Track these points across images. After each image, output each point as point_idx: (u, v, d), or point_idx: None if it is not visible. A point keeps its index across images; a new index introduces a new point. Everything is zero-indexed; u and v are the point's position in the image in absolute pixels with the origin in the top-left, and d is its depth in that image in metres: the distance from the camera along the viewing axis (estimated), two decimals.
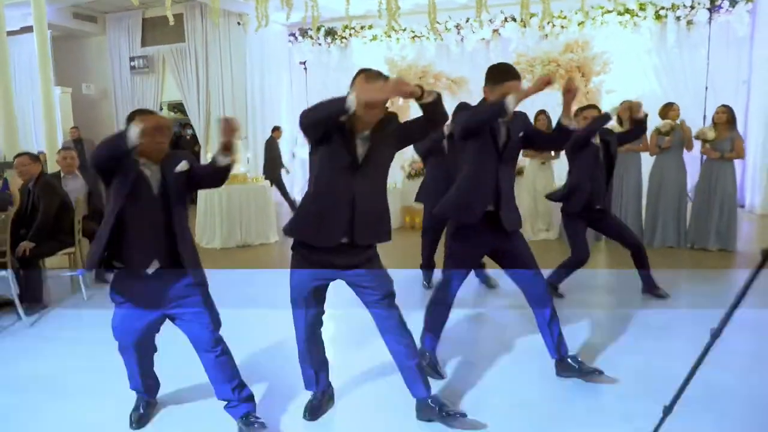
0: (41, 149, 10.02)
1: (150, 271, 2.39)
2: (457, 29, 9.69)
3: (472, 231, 2.90)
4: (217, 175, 2.44)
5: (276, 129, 9.38)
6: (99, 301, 4.81)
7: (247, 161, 8.72)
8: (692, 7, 8.81)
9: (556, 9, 9.03)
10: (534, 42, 9.20)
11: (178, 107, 12.30)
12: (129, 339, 2.54)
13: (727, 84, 8.90)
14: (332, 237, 2.36)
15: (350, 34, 10.25)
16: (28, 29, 9.96)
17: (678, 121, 6.20)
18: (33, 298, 4.43)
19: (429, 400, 2.56)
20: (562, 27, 9.11)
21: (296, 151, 10.96)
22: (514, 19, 9.35)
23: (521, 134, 2.88)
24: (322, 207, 2.38)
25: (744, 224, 7.03)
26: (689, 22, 8.90)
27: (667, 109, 6.29)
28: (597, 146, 4.22)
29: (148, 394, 2.78)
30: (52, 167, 6.05)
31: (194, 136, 11.08)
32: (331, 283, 2.56)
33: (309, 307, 2.54)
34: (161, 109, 11.88)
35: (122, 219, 2.32)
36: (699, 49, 8.93)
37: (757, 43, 8.77)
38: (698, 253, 5.99)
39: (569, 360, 2.97)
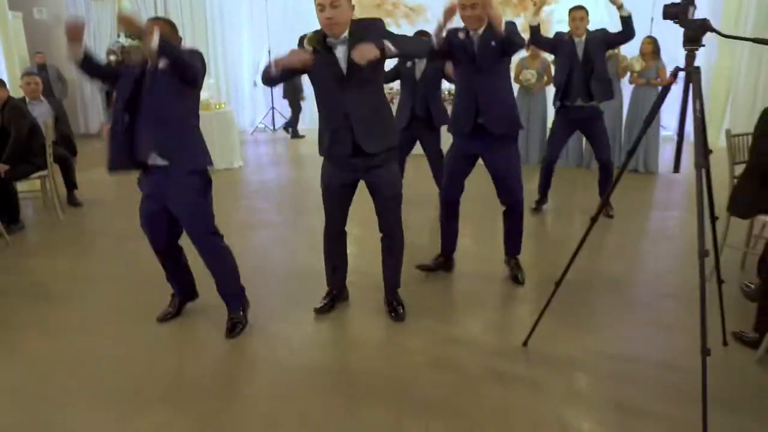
0: None
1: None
2: None
3: (460, 139, 3.38)
4: (175, 69, 2.58)
5: None
6: (72, 221, 5.19)
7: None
8: None
9: None
10: None
11: (136, 36, 12.07)
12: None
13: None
14: (342, 150, 2.74)
15: None
16: None
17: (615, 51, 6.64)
18: (12, 219, 4.76)
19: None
20: None
21: (257, 80, 11.06)
22: None
23: (493, 44, 3.07)
24: (325, 126, 2.78)
25: (667, 148, 7.66)
26: None
27: None
28: (573, 43, 4.64)
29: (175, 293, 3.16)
30: (14, 93, 6.16)
31: None
32: None
33: (333, 206, 2.95)
34: (119, 36, 11.66)
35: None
36: None
37: None
38: (628, 175, 6.60)
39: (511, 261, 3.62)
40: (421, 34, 4.79)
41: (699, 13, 2.06)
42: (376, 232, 2.98)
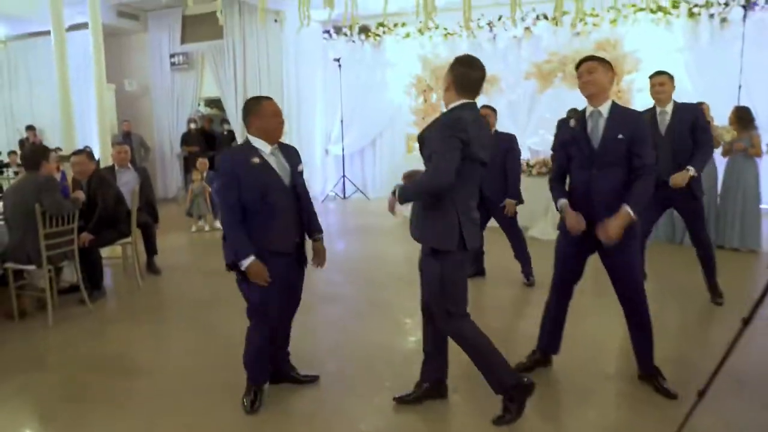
0: (88, 144, 10.56)
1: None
2: (489, 27, 9.82)
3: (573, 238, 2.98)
4: None
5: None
6: (152, 289, 5.21)
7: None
8: (726, 5, 8.77)
9: (588, 6, 9.11)
10: (566, 40, 9.27)
11: (215, 103, 12.69)
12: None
13: (761, 83, 8.84)
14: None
15: (384, 32, 10.47)
16: (74, 27, 10.47)
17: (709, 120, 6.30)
18: (94, 285, 4.82)
19: None
20: (594, 25, 9.16)
21: (329, 149, 11.26)
22: (545, 17, 9.44)
23: (621, 136, 2.78)
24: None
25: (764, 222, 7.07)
26: (723, 20, 8.87)
27: None
28: (655, 113, 4.32)
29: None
30: (104, 161, 6.44)
31: (231, 132, 11.46)
32: None
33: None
34: (199, 104, 12.28)
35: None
36: (733, 47, 8.88)
37: None
38: (724, 253, 6.08)
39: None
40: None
41: None
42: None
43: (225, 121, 11.57)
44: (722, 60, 8.93)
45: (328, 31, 10.98)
